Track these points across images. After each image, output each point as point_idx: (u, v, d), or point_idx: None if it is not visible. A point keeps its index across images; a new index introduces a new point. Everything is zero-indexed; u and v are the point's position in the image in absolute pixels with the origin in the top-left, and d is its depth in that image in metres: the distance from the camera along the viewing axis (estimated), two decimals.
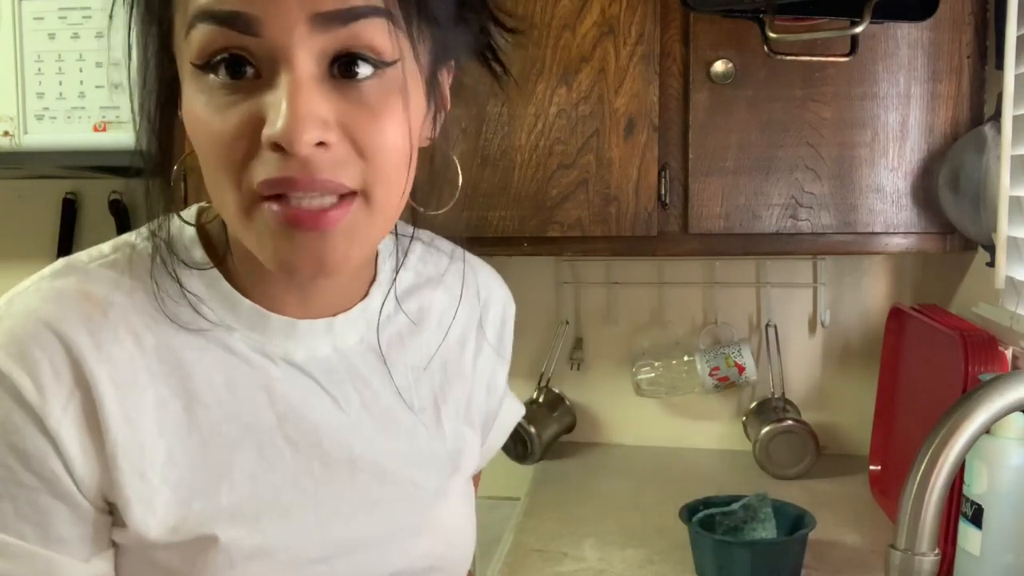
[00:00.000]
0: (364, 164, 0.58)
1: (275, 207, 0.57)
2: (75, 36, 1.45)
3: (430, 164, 0.68)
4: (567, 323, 1.78)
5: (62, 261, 0.65)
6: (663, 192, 1.39)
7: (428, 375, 0.76)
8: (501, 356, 0.85)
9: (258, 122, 0.55)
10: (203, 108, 0.57)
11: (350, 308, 0.71)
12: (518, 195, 1.40)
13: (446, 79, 0.68)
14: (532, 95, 1.38)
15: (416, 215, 0.70)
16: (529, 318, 1.78)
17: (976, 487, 1.03)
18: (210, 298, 0.66)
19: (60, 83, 1.45)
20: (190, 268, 0.65)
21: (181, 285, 0.64)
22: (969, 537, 1.04)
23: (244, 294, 0.66)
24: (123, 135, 1.46)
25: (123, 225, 1.80)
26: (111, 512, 0.62)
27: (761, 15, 1.23)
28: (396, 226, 0.75)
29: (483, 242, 1.42)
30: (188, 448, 0.62)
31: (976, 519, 1.02)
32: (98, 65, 1.45)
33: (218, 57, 0.55)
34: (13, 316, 0.59)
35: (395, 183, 0.60)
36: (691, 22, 1.36)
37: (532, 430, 1.64)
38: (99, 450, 0.59)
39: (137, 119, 0.62)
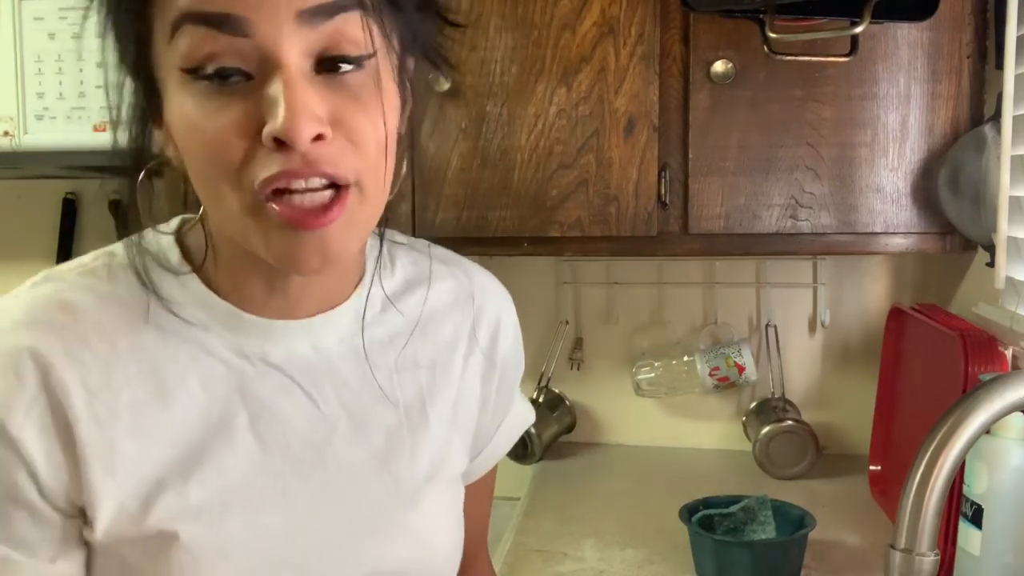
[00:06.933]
0: (357, 153, 0.59)
1: (277, 207, 0.58)
2: (75, 36, 1.44)
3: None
4: (567, 323, 1.78)
5: (43, 272, 0.67)
6: (663, 192, 1.39)
7: (415, 374, 0.75)
8: (491, 361, 0.82)
9: (254, 122, 0.57)
10: (195, 112, 0.57)
11: (331, 309, 0.71)
12: (518, 195, 1.40)
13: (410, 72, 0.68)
14: (532, 95, 1.38)
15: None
16: (529, 318, 1.77)
17: (976, 487, 1.03)
18: (185, 300, 0.66)
19: (60, 83, 1.45)
20: (165, 271, 0.67)
21: (154, 287, 0.65)
22: (969, 537, 1.04)
23: (223, 298, 0.67)
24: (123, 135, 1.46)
25: (123, 225, 1.80)
26: (82, 514, 0.62)
27: (761, 15, 1.23)
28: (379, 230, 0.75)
29: (483, 242, 1.42)
30: (159, 447, 0.63)
31: (976, 519, 1.02)
32: (98, 65, 1.45)
33: (209, 68, 0.56)
34: None
35: (380, 171, 0.62)
36: (691, 22, 1.36)
37: (532, 430, 1.63)
38: (67, 452, 0.60)
39: (113, 123, 0.63)
